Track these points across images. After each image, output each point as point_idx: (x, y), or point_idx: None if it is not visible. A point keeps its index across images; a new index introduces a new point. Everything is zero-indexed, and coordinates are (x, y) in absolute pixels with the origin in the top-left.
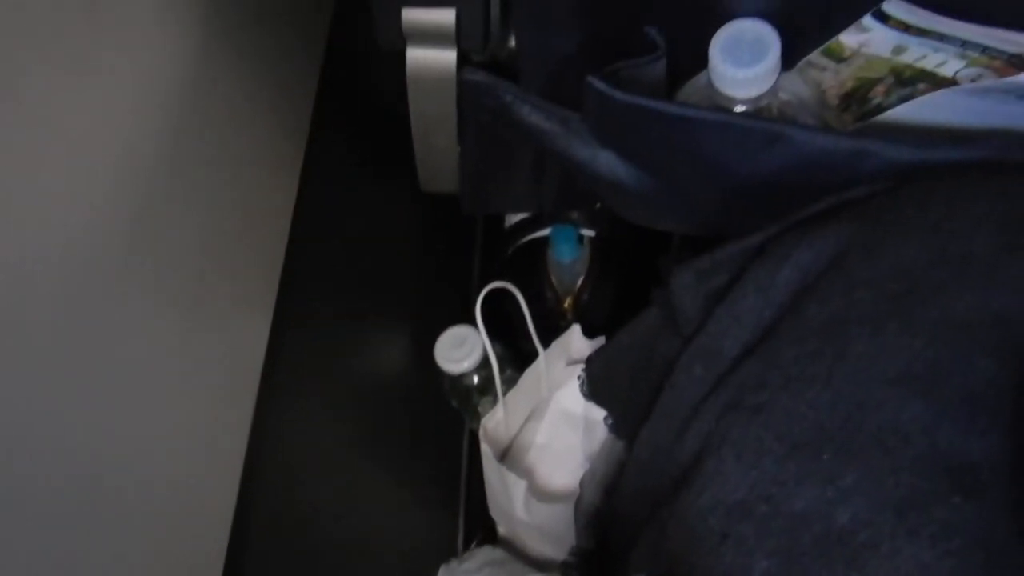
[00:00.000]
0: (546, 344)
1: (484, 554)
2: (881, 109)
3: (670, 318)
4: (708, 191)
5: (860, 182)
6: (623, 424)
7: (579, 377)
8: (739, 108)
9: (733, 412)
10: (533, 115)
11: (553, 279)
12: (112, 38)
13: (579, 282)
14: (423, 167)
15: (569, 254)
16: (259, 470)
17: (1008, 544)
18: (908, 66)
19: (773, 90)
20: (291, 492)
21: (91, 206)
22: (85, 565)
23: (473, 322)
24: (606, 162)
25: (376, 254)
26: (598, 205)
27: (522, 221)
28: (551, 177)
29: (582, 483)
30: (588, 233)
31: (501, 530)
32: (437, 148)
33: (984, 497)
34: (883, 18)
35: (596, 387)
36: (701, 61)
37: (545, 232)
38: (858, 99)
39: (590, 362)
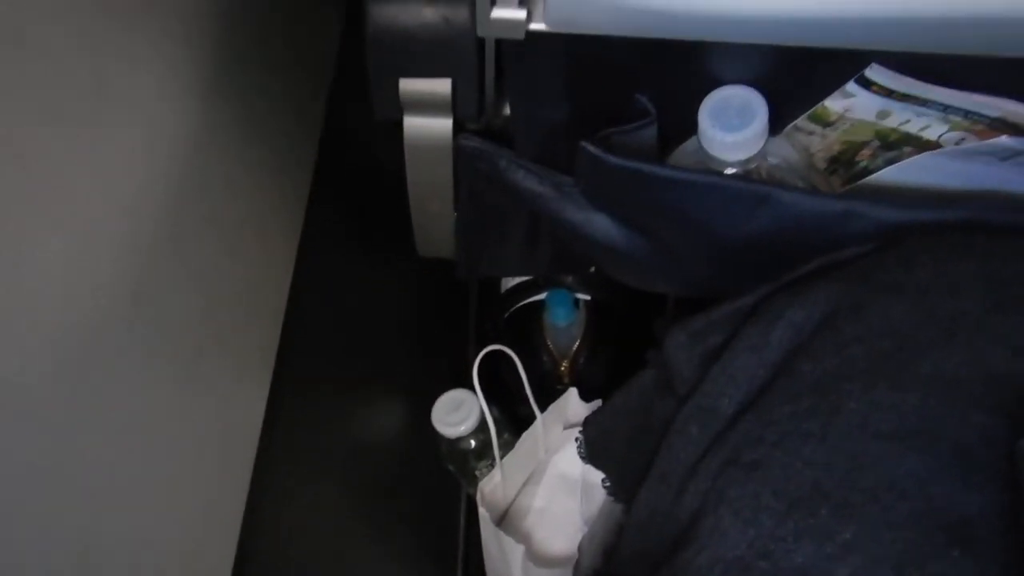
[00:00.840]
0: (543, 407)
1: None
2: (868, 172)
3: (665, 379)
4: (700, 252)
5: (848, 242)
6: (621, 486)
7: (576, 440)
8: (729, 171)
9: (730, 469)
10: (527, 180)
11: (549, 343)
12: (116, 111)
13: (575, 345)
14: (420, 232)
15: (565, 318)
16: (255, 539)
17: None
18: (893, 130)
19: (762, 154)
20: (287, 561)
21: (90, 277)
22: None
23: (470, 386)
24: (599, 225)
25: (373, 321)
26: (592, 269)
27: (518, 285)
28: (545, 242)
29: (580, 547)
30: (584, 297)
31: None
32: (433, 214)
33: (980, 551)
34: (866, 84)
35: (594, 449)
36: (690, 127)
37: (541, 296)
38: (845, 162)
39: (587, 424)
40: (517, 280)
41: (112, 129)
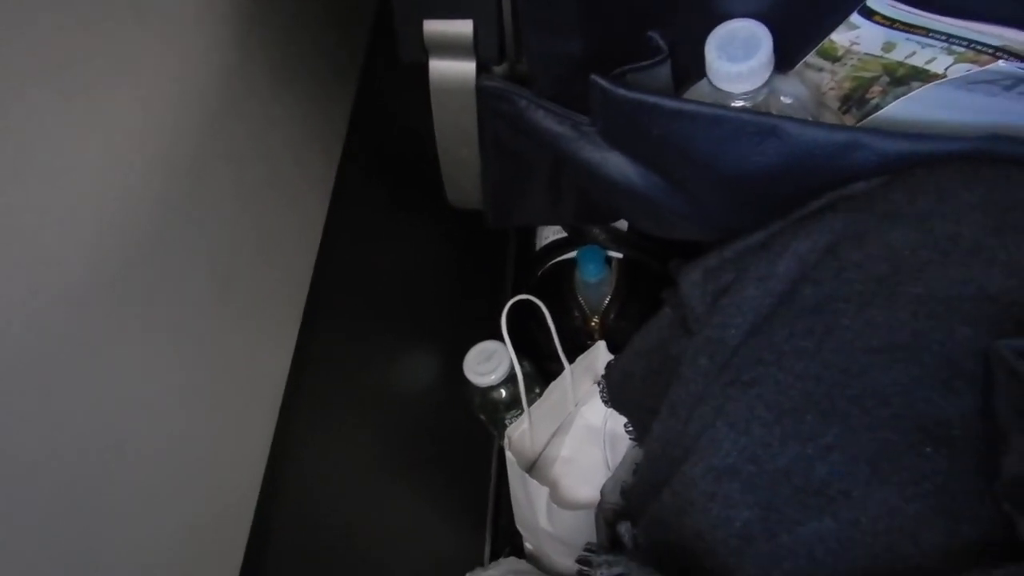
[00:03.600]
0: (573, 362)
1: (508, 564)
2: (879, 109)
3: (680, 318)
4: (712, 190)
5: (855, 175)
6: (642, 429)
7: (598, 383)
8: (737, 104)
9: (730, 388)
10: (546, 119)
11: (580, 299)
12: (152, 36)
13: (605, 302)
14: (449, 181)
15: (595, 274)
16: (280, 485)
17: (972, 493)
18: (900, 63)
19: (771, 90)
20: (316, 506)
21: (125, 200)
22: None
23: (502, 339)
24: (615, 164)
25: (408, 272)
26: (620, 222)
27: (551, 243)
28: (568, 190)
29: (603, 490)
30: (615, 254)
31: (528, 545)
32: (461, 161)
33: (954, 448)
34: (869, 14)
35: (615, 393)
36: (703, 69)
37: (573, 254)
38: (857, 100)
39: (609, 369)
40: (551, 238)
41: (148, 54)
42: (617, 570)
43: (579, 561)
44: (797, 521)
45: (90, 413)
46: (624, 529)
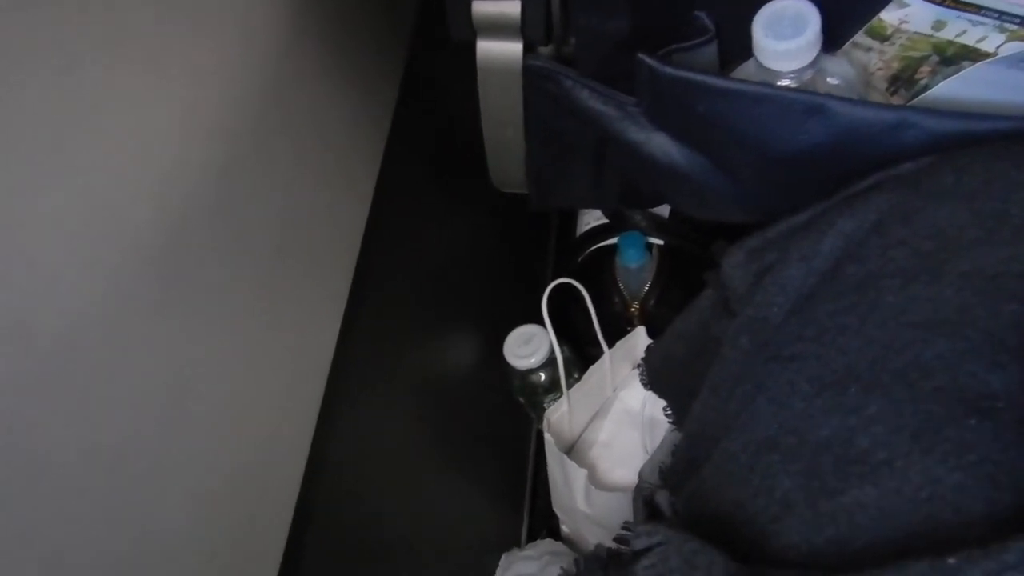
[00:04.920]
0: (611, 347)
1: (545, 545)
2: (927, 90)
3: (722, 299)
4: (756, 169)
5: (903, 155)
6: (681, 412)
7: (638, 366)
8: (783, 83)
9: (770, 364)
10: (592, 99)
11: (620, 284)
12: (212, 8)
13: (645, 288)
14: (493, 163)
15: (636, 260)
16: (325, 463)
17: (1016, 464)
18: (950, 42)
19: (818, 69)
20: (356, 484)
21: (181, 165)
22: (140, 550)
23: (542, 324)
24: (659, 144)
25: (450, 255)
26: (662, 207)
27: (593, 229)
28: (610, 173)
29: (641, 473)
30: (656, 241)
31: (564, 528)
32: (505, 142)
33: (998, 421)
34: None
35: (655, 376)
36: (749, 50)
37: (614, 240)
38: (905, 81)
39: (649, 351)
40: (591, 224)
41: (210, 28)
42: (656, 538)
43: (616, 539)
44: (838, 490)
45: (158, 364)
46: (662, 498)
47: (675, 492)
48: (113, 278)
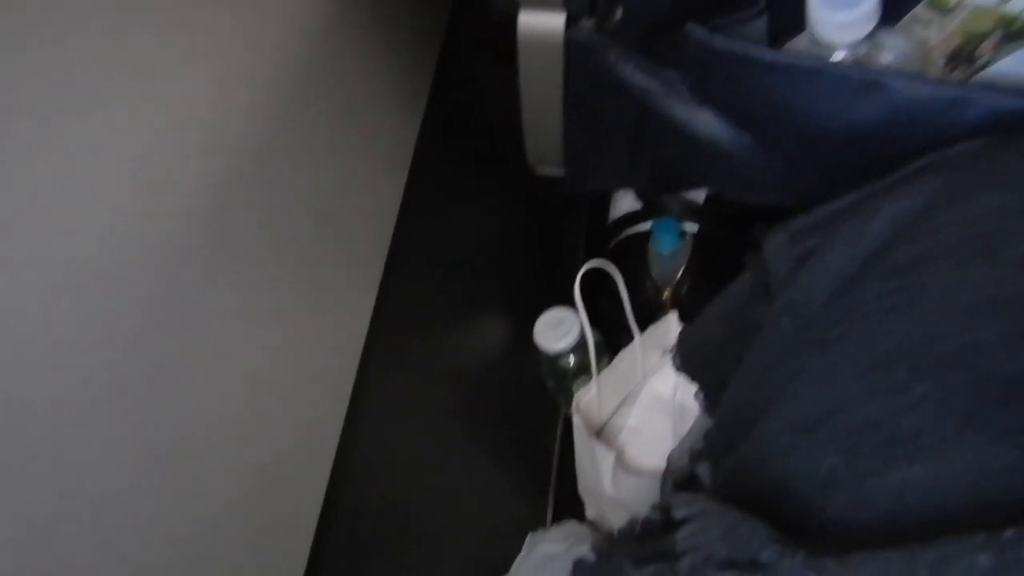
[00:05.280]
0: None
1: (570, 527)
2: (989, 67)
3: (762, 283)
4: (804, 149)
5: (960, 135)
6: (714, 397)
7: (669, 351)
8: (838, 58)
9: (813, 346)
10: (635, 74)
11: (653, 271)
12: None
13: (678, 275)
14: (530, 140)
15: (669, 246)
16: (355, 443)
17: None
18: (1017, 17)
19: (874, 43)
20: (385, 466)
21: (228, 146)
22: (175, 531)
23: (572, 308)
24: (704, 121)
25: (482, 239)
26: (698, 193)
27: (626, 215)
28: (648, 153)
29: (670, 458)
30: (690, 229)
31: (589, 513)
32: (544, 119)
33: None
34: None
35: (687, 360)
36: (801, 23)
37: (648, 226)
38: (965, 57)
39: (682, 335)
40: (625, 210)
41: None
42: (697, 508)
43: (659, 505)
44: (885, 469)
45: (204, 336)
46: (703, 470)
47: (715, 465)
48: (162, 247)
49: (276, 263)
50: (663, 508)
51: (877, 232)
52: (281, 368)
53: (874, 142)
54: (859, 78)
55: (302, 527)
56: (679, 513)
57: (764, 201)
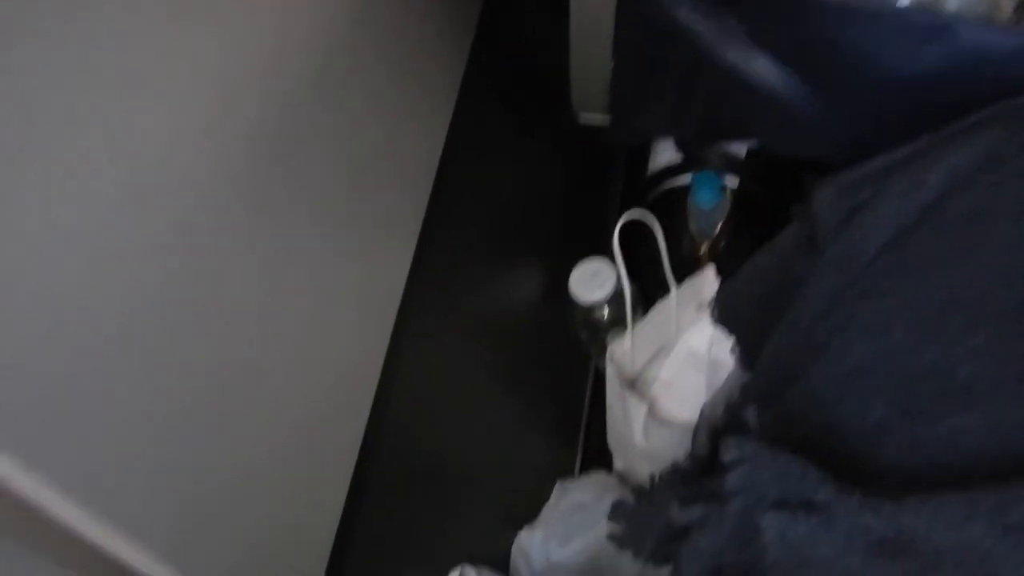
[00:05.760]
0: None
1: (599, 477)
2: None
3: (808, 235)
4: (860, 97)
5: None
6: (750, 352)
7: (709, 304)
8: (904, 2)
9: (863, 298)
10: (690, 16)
11: (691, 225)
12: None
13: (716, 230)
14: (577, 85)
15: (709, 200)
16: (392, 390)
17: None
18: None
19: None
20: (420, 413)
21: (245, 116)
22: (216, 474)
23: (608, 259)
24: (760, 67)
25: (520, 190)
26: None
27: (666, 168)
28: (697, 101)
29: (702, 411)
30: (730, 183)
31: (618, 464)
32: (592, 63)
33: None
34: None
35: (725, 313)
36: None
37: (687, 180)
38: None
39: (721, 289)
40: (664, 163)
41: None
42: (747, 451)
43: (693, 454)
44: (938, 416)
45: (252, 281)
46: (749, 412)
47: (762, 409)
48: (211, 189)
49: (323, 208)
50: (697, 458)
51: (934, 183)
52: (327, 308)
53: (937, 91)
54: (925, 23)
55: (343, 461)
56: (729, 456)
57: (814, 154)
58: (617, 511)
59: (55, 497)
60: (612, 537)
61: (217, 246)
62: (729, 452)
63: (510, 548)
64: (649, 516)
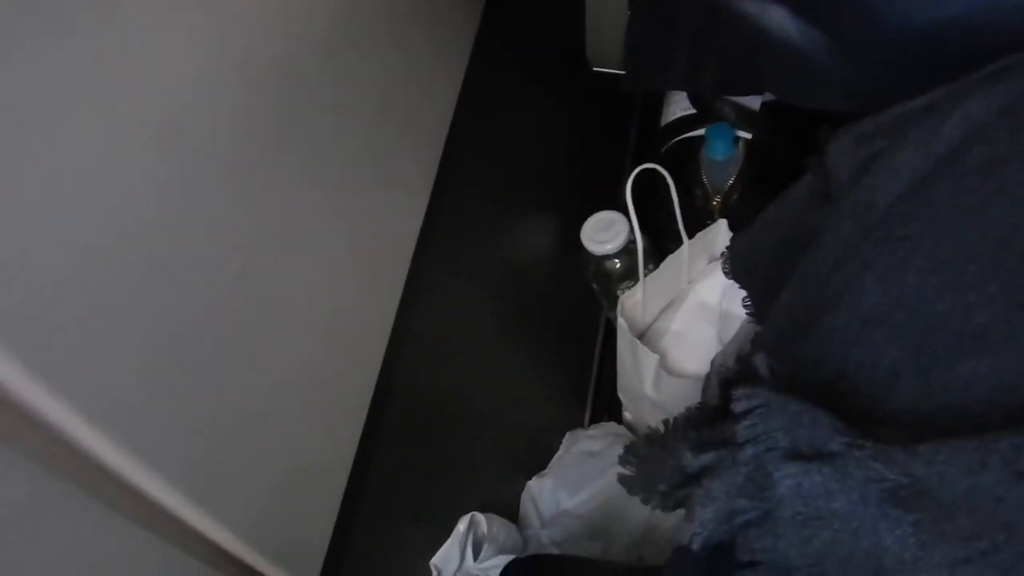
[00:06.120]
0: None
1: (608, 427)
2: None
3: (822, 186)
4: (876, 47)
5: None
6: (762, 304)
7: (722, 255)
8: None
9: (879, 245)
10: None
11: (704, 177)
12: None
13: (729, 182)
14: (592, 35)
15: (723, 152)
16: (404, 340)
17: None
18: None
19: None
20: (432, 362)
21: (269, 59)
22: (233, 410)
23: (620, 211)
24: (775, 18)
25: (535, 139)
26: (753, 101)
27: (679, 120)
28: (712, 53)
29: (713, 362)
30: (744, 135)
31: (627, 415)
32: (608, 14)
33: None
34: None
35: (738, 265)
36: None
37: (700, 132)
38: None
39: (734, 240)
40: (678, 114)
41: None
42: (757, 400)
43: (705, 402)
44: (952, 361)
45: (275, 203)
46: (760, 360)
47: (773, 357)
48: (237, 112)
49: (344, 137)
50: (709, 406)
51: (950, 132)
52: (341, 257)
53: (954, 40)
54: None
55: (356, 408)
56: (740, 405)
57: (830, 105)
58: (629, 455)
59: (81, 425)
60: (623, 481)
61: (240, 180)
62: (740, 402)
63: (520, 496)
64: (662, 460)
